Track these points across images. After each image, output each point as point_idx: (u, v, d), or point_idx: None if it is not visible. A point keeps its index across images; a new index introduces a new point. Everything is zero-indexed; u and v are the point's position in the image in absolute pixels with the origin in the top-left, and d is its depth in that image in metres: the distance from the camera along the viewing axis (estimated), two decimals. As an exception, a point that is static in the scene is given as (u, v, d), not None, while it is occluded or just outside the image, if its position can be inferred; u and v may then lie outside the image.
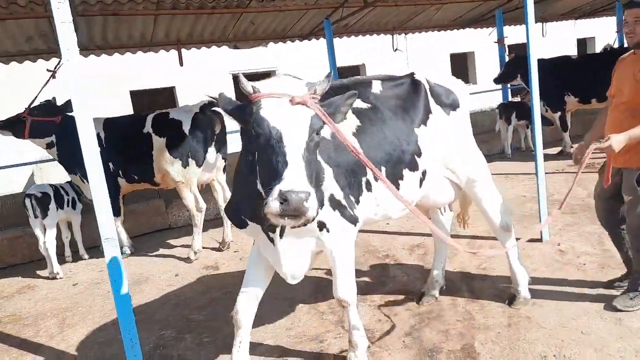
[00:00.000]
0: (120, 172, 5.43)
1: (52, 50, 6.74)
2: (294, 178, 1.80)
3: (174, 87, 14.55)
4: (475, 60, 18.09)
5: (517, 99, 10.58)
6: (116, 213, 4.98)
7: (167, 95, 14.70)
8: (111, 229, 2.77)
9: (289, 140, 1.89)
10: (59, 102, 5.64)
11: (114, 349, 3.42)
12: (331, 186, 2.45)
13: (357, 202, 2.59)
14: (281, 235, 2.35)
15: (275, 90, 2.03)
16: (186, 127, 5.26)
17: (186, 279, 4.74)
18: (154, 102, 14.95)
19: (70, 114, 5.29)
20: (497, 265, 4.03)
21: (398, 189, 2.67)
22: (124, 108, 13.63)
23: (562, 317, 3.08)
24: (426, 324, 3.21)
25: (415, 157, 2.84)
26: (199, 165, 5.29)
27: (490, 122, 9.47)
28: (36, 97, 5.62)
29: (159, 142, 5.30)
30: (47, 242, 5.09)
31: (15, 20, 5.60)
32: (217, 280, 4.57)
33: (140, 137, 5.37)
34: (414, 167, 2.82)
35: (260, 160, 1.99)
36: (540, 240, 4.44)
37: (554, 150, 8.54)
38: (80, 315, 4.14)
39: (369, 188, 2.64)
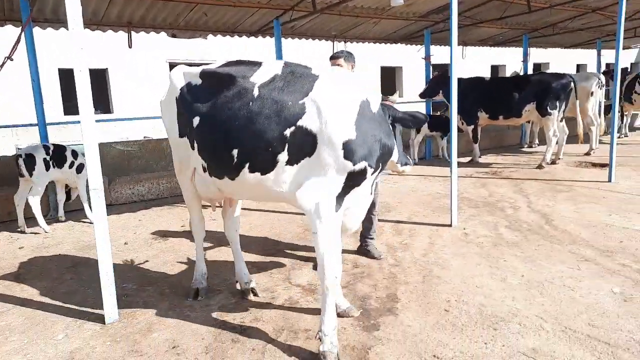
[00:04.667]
0: None
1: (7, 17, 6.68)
2: None
3: (106, 69, 14.24)
4: (402, 74, 19.53)
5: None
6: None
7: (98, 77, 14.35)
8: (98, 181, 3.15)
9: None
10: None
11: (78, 297, 3.73)
12: None
13: None
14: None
15: None
16: None
17: (135, 246, 5.06)
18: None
19: None
20: (415, 242, 4.85)
21: None
22: (52, 88, 13.15)
23: (463, 277, 3.91)
24: (359, 280, 3.91)
25: None
26: None
27: (409, 131, 10.54)
28: None
29: None
30: (31, 200, 5.53)
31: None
32: (167, 247, 4.95)
33: None
34: None
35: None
36: (450, 225, 5.34)
37: (466, 159, 9.78)
38: (36, 272, 4.33)
39: None
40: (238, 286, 3.74)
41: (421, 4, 8.72)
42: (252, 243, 4.94)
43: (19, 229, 5.65)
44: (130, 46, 7.96)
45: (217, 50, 14.73)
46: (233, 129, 2.86)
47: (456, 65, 5.31)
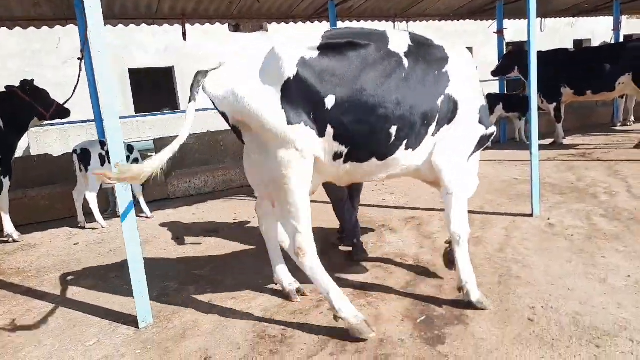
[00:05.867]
0: None
1: (57, 17, 6.80)
2: None
3: (172, 67, 14.54)
4: (473, 54, 18.27)
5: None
6: None
7: (166, 75, 14.71)
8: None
9: None
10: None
11: (119, 298, 3.54)
12: None
13: None
14: None
15: None
16: None
17: (186, 241, 4.86)
18: (153, 82, 15.02)
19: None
20: (489, 235, 4.20)
21: None
22: (123, 87, 13.66)
23: (550, 277, 3.24)
24: (421, 280, 3.37)
25: None
26: None
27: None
28: (75, 88, 5.69)
29: None
30: (88, 195, 5.51)
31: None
32: (217, 242, 4.69)
33: None
34: None
35: None
36: (530, 215, 4.61)
37: (547, 141, 8.74)
38: (85, 269, 4.23)
39: None
40: (280, 287, 3.33)
41: (491, -30, 7.83)
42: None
43: (79, 225, 5.68)
44: (184, 38, 7.85)
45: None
46: (389, 103, 2.59)
47: (535, 34, 4.54)
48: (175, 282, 3.75)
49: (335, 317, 2.69)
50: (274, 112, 2.51)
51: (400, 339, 2.63)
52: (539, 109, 8.55)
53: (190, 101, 2.56)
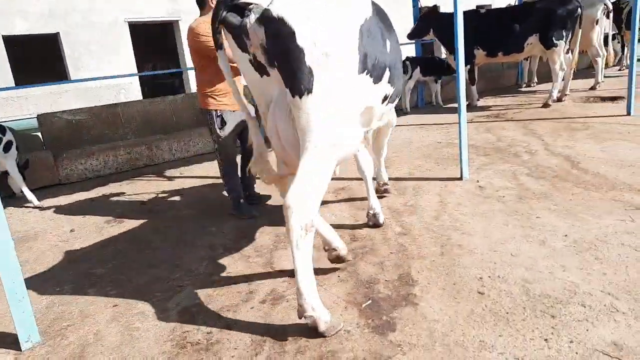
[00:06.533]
0: None
1: None
2: None
3: (57, 33, 12.78)
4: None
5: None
6: None
7: (49, 43, 12.92)
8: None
9: None
10: None
11: (-5, 311, 2.84)
12: None
13: None
14: None
15: None
16: None
17: (84, 233, 4.15)
18: (35, 51, 13.18)
19: None
20: (423, 202, 4.01)
21: None
22: (-3, 57, 11.77)
23: (491, 243, 3.09)
24: (360, 258, 3.06)
25: None
26: None
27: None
28: None
29: None
30: None
31: None
32: (122, 233, 4.04)
33: None
34: None
35: None
36: (460, 178, 4.50)
37: (462, 103, 8.85)
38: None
39: None
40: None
41: None
42: (227, 218, 4.05)
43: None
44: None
45: (173, 6, 13.50)
46: (398, 47, 2.80)
47: None
48: (69, 285, 3.10)
49: (304, 317, 2.22)
50: (354, 56, 2.24)
51: (346, 330, 2.29)
52: (453, 71, 8.62)
53: (219, 48, 2.32)
